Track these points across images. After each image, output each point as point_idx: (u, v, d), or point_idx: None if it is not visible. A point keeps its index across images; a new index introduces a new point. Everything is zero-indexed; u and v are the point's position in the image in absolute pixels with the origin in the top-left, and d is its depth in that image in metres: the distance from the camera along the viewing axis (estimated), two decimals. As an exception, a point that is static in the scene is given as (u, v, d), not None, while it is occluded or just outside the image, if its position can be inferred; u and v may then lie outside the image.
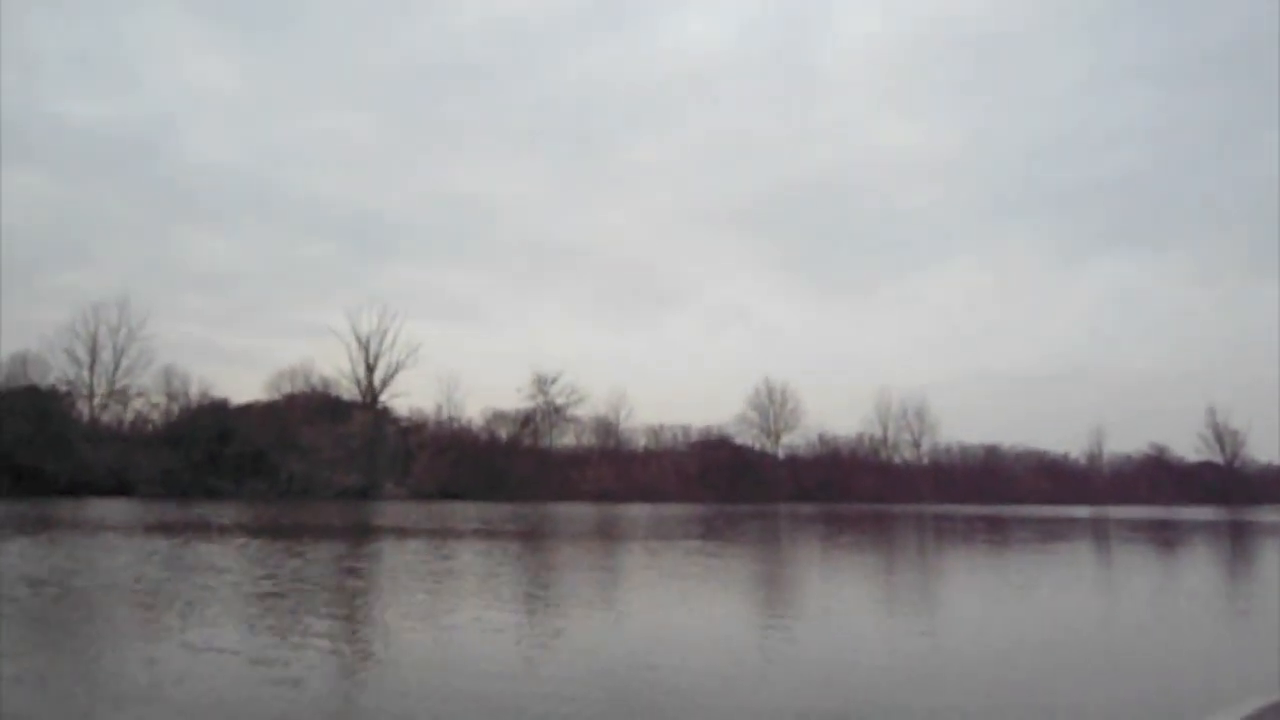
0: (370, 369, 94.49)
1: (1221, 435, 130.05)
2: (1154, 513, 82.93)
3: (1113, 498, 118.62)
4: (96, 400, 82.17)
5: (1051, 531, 46.31)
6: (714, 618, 14.39)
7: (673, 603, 16.30)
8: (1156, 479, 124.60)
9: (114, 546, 23.81)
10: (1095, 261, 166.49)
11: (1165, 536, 44.17)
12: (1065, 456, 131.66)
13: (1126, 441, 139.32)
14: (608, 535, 37.39)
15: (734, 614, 15.06)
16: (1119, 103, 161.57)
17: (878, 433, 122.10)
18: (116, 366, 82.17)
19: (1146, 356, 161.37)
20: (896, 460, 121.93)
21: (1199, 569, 27.82)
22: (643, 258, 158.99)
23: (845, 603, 17.32)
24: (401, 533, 34.96)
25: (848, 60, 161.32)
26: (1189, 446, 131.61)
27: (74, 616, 12.39)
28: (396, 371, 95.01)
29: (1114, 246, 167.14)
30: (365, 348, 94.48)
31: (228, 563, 20.31)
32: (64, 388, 79.22)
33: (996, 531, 45.16)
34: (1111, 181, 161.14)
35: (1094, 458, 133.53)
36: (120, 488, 73.15)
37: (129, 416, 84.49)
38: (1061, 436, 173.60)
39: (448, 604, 14.94)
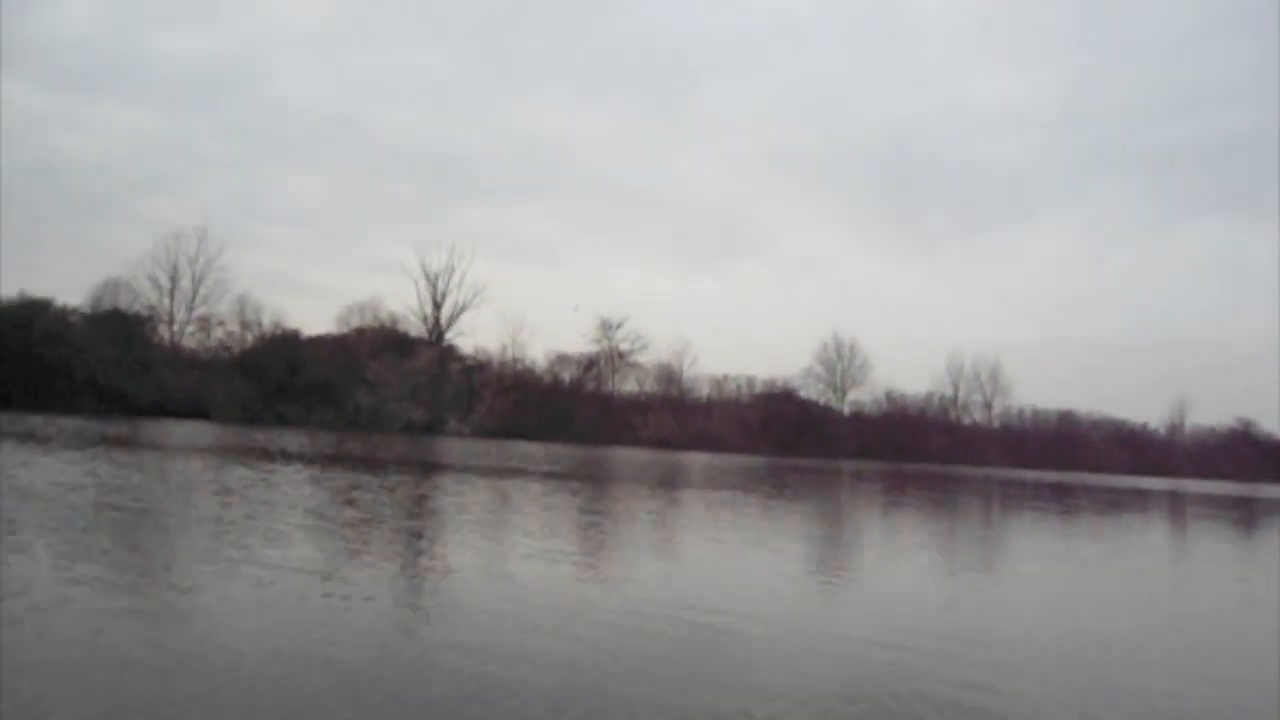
0: (437, 306, 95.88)
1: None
2: (1234, 489, 79.10)
3: (1192, 471, 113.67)
4: (175, 326, 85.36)
5: (1115, 502, 44.45)
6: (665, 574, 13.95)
7: (641, 553, 15.95)
8: (1241, 454, 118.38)
9: (143, 465, 24.53)
10: (1190, 226, 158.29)
11: (1238, 514, 41.94)
12: (1144, 427, 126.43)
13: (1212, 414, 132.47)
14: (647, 481, 37.19)
15: (708, 570, 14.57)
16: (1226, 59, 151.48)
17: (948, 393, 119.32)
18: (195, 294, 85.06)
19: (1239, 327, 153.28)
20: (966, 422, 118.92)
21: (1259, 552, 26.25)
22: (717, 206, 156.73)
23: (864, 564, 16.72)
24: (435, 467, 35.38)
25: (940, 7, 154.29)
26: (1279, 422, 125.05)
27: (31, 527, 12.59)
28: (463, 310, 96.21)
29: (1211, 211, 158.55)
30: (433, 285, 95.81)
31: (241, 485, 20.70)
32: (146, 313, 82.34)
33: (1056, 499, 43.53)
34: (1212, 142, 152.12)
35: (1175, 429, 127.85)
36: (198, 411, 76.20)
37: (211, 344, 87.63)
38: (1142, 406, 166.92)
39: (415, 540, 14.84)
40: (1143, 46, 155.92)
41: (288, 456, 33.90)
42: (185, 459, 28.71)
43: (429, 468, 34.92)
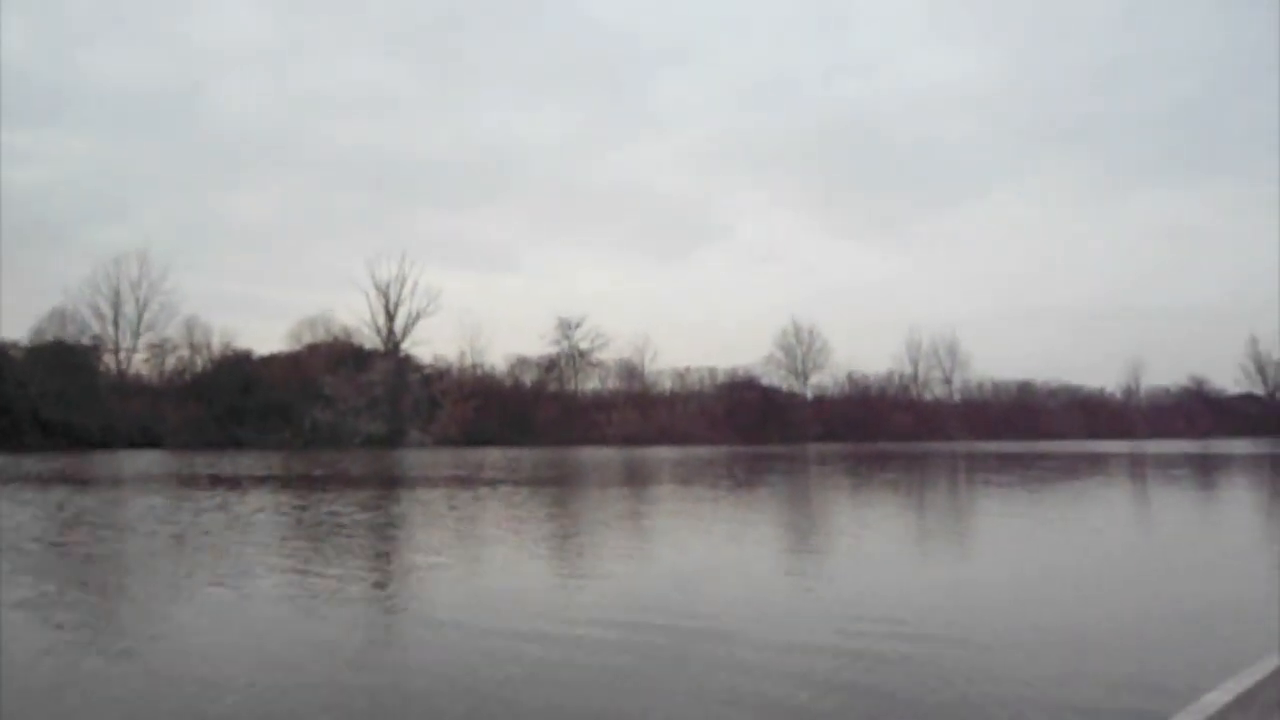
0: (390, 317, 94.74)
1: (1263, 366, 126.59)
2: (1189, 446, 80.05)
3: (1149, 432, 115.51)
4: (121, 354, 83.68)
5: (1068, 469, 44.50)
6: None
7: (539, 564, 15.43)
8: (1194, 412, 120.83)
9: (43, 502, 23.62)
10: (1139, 194, 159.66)
11: (1185, 473, 42.13)
12: (1101, 391, 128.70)
13: (1167, 376, 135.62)
14: (594, 482, 36.67)
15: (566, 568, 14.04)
16: (1171, 27, 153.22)
17: (908, 370, 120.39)
18: (139, 320, 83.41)
19: (1189, 290, 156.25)
20: (927, 398, 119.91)
21: (1202, 504, 26.14)
22: (673, 199, 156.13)
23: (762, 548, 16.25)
24: (369, 482, 34.63)
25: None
26: (1230, 379, 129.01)
27: None
28: (417, 319, 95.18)
29: (1159, 178, 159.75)
30: (385, 295, 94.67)
31: (135, 518, 19.91)
32: (90, 342, 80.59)
33: (1011, 471, 43.56)
34: (1158, 110, 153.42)
35: (1130, 392, 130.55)
36: (150, 439, 74.54)
37: (166, 370, 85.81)
38: (1100, 372, 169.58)
39: (277, 561, 14.18)
40: (1087, 16, 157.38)
41: (217, 482, 33.02)
42: (100, 492, 27.80)
43: (361, 483, 34.15)
